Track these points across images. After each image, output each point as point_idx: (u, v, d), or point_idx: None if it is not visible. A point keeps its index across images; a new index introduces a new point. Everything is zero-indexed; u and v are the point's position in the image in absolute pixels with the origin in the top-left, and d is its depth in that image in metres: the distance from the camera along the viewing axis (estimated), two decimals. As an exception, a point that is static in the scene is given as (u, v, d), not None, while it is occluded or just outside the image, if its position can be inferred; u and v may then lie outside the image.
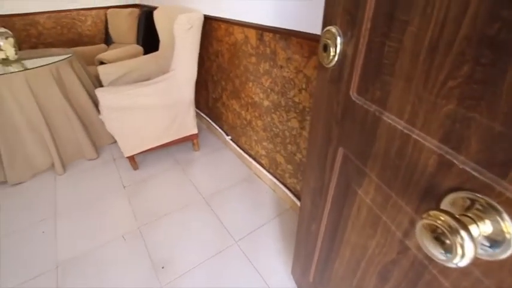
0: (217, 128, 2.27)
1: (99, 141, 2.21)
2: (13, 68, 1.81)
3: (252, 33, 1.41)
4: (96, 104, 2.13)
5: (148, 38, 2.84)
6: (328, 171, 0.66)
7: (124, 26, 2.85)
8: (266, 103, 1.51)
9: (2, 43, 1.83)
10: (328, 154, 0.64)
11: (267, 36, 1.30)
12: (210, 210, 1.64)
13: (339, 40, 0.51)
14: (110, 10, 3.00)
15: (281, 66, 1.28)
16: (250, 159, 1.91)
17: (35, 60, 2.02)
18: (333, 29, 0.52)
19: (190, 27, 1.58)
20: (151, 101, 1.68)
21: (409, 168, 0.41)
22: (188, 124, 1.95)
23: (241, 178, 1.89)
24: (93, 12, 3.19)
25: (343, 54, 0.52)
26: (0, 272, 1.33)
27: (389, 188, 0.46)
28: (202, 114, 2.49)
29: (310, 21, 1.05)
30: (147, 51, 2.74)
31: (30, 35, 2.94)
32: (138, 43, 2.82)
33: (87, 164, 2.08)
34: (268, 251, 1.39)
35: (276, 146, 1.57)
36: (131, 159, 1.92)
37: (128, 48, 2.68)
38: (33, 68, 1.76)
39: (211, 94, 2.19)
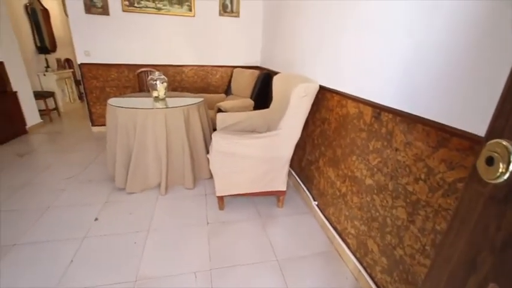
0: (305, 190, 2.23)
1: (199, 174, 2.48)
2: (159, 105, 2.31)
3: (367, 110, 1.40)
4: (206, 142, 2.46)
5: (260, 95, 3.22)
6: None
7: (244, 82, 3.34)
8: (369, 181, 1.41)
9: (159, 85, 2.39)
10: (467, 285, 0.51)
11: (385, 116, 1.27)
12: (281, 276, 1.54)
13: (513, 157, 0.44)
14: (236, 69, 3.60)
15: (396, 149, 1.20)
16: (335, 234, 1.76)
17: (174, 99, 2.54)
18: (504, 142, 0.45)
19: (305, 95, 1.71)
20: (254, 153, 1.82)
21: None
22: (279, 180, 1.99)
23: (321, 251, 1.74)
24: (223, 69, 3.89)
25: (516, 173, 0.43)
26: (84, 267, 1.54)
27: None
28: (292, 172, 2.52)
29: (445, 112, 0.97)
30: (256, 105, 3.09)
31: (175, 80, 3.78)
32: (251, 97, 3.21)
33: (184, 192, 2.33)
34: None
35: (371, 230, 1.40)
36: (220, 199, 2.05)
37: (243, 100, 3.08)
38: (172, 107, 2.20)
39: (307, 155, 2.21)
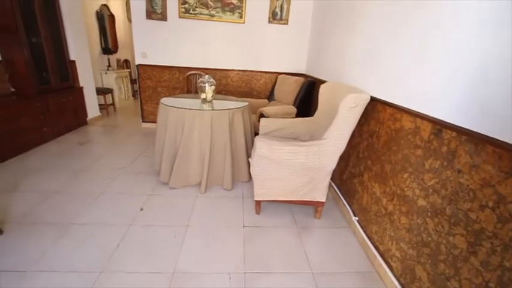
0: (345, 203, 2.14)
1: (237, 176, 2.53)
2: (206, 107, 2.41)
3: (425, 126, 1.30)
4: (247, 145, 2.49)
5: (303, 103, 3.19)
6: None
7: (287, 89, 3.34)
8: (422, 203, 1.30)
9: (207, 88, 2.50)
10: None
11: (447, 134, 1.17)
12: (315, 292, 1.49)
13: None
14: (281, 75, 3.62)
15: (459, 171, 1.10)
16: (376, 254, 1.65)
17: (220, 102, 2.64)
18: None
19: (355, 106, 1.65)
20: (297, 161, 1.80)
21: None
22: (319, 191, 1.94)
23: (359, 270, 1.65)
24: (268, 74, 3.94)
25: None
26: (128, 253, 1.63)
27: None
28: (332, 183, 2.44)
29: (524, 134, 0.87)
30: (299, 113, 3.07)
31: (221, 83, 3.92)
32: (294, 104, 3.19)
33: (222, 192, 2.39)
34: None
35: (421, 256, 1.29)
36: (258, 203, 2.06)
37: (285, 107, 3.08)
38: (218, 110, 2.28)
39: (350, 168, 2.13)
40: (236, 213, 2.10)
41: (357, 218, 1.95)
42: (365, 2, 2.05)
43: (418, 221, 1.32)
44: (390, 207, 1.56)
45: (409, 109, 1.45)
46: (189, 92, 3.65)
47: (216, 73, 3.84)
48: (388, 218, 1.58)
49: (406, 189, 1.43)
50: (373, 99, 1.79)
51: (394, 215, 1.52)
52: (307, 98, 3.23)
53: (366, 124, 1.91)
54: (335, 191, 2.37)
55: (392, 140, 1.59)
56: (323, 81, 2.92)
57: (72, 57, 3.80)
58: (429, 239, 1.24)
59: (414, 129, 1.39)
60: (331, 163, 1.82)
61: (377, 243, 1.69)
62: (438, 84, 1.25)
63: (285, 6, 3.63)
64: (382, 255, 1.62)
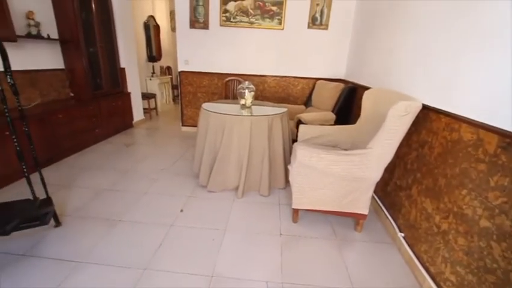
0: (389, 217, 2.01)
1: (274, 183, 2.51)
2: (245, 112, 2.44)
3: (491, 138, 1.17)
4: (284, 152, 2.47)
5: (343, 109, 3.08)
6: None
7: (326, 95, 3.26)
8: (484, 223, 1.17)
9: (247, 94, 2.53)
10: None
11: (520, 148, 1.04)
12: (357, 310, 1.40)
13: None
14: (319, 81, 3.55)
15: (535, 191, 0.96)
16: (426, 275, 1.52)
17: (259, 108, 2.65)
18: None
19: (405, 114, 1.55)
20: (339, 170, 1.73)
21: None
22: (361, 203, 1.85)
23: (405, 292, 1.53)
24: (305, 80, 3.89)
25: None
26: (170, 253, 1.69)
27: None
28: (374, 195, 2.31)
29: None
30: (338, 119, 2.97)
31: (258, 89, 3.95)
32: (333, 111, 3.10)
33: (259, 198, 2.38)
34: None
35: (483, 283, 1.16)
36: (295, 211, 2.02)
37: (324, 113, 3.00)
38: (257, 116, 2.29)
39: (396, 180, 1.99)
40: (273, 221, 2.08)
41: (403, 234, 1.81)
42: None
43: (481, 243, 1.18)
44: (444, 226, 1.43)
45: (469, 119, 1.32)
46: (227, 97, 3.74)
47: (253, 79, 3.88)
48: (442, 238, 1.44)
49: (464, 207, 1.30)
50: (424, 107, 1.66)
51: (449, 235, 1.38)
52: (347, 105, 3.12)
53: (415, 133, 1.78)
54: (377, 203, 2.24)
55: (448, 152, 1.46)
56: (365, 87, 2.81)
57: (122, 65, 4.12)
58: (495, 265, 1.11)
59: (476, 141, 1.26)
60: (376, 174, 1.73)
61: (427, 263, 1.55)
62: (507, 90, 1.12)
63: (325, 11, 3.57)
64: (433, 278, 1.48)
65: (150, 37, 5.73)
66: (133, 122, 4.50)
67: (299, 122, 2.86)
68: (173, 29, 6.72)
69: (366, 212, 1.87)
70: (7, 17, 2.37)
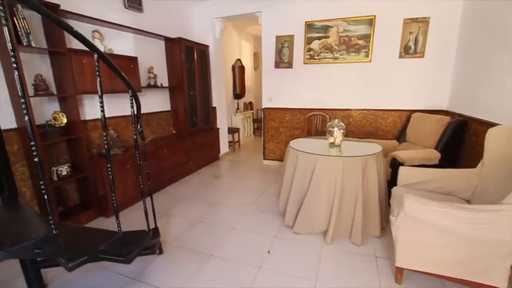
0: (541, 297, 1.50)
1: (367, 229, 2.24)
2: (334, 151, 2.33)
3: None
4: (380, 195, 2.21)
5: (450, 147, 2.64)
6: None
7: (427, 129, 2.86)
8: None
9: (336, 132, 2.44)
10: None
11: None
12: None
13: None
14: (416, 113, 3.17)
15: None
16: None
17: (349, 146, 2.50)
18: None
19: None
20: (459, 228, 1.42)
21: None
22: (496, 273, 1.44)
23: None
24: (397, 113, 3.54)
25: None
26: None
27: None
28: None
29: None
30: (442, 159, 2.54)
31: (342, 123, 3.79)
32: (436, 148, 2.68)
33: (350, 247, 2.15)
34: None
35: None
36: (399, 270, 1.72)
37: (425, 151, 2.62)
38: (351, 156, 2.15)
39: (547, 246, 1.50)
40: (371, 277, 1.82)
41: None
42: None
43: None
44: None
45: None
46: (309, 132, 3.71)
47: (337, 113, 3.76)
48: None
49: None
50: None
51: None
52: (456, 142, 2.66)
53: None
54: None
55: None
56: (481, 121, 2.35)
57: (214, 104, 4.62)
58: None
59: None
60: (520, 238, 1.34)
61: None
62: None
63: (420, 38, 3.27)
64: None
65: (235, 77, 6.33)
66: (220, 154, 4.88)
67: (394, 160, 2.57)
68: (255, 68, 7.29)
69: (503, 286, 1.45)
70: (137, 75, 3.01)
